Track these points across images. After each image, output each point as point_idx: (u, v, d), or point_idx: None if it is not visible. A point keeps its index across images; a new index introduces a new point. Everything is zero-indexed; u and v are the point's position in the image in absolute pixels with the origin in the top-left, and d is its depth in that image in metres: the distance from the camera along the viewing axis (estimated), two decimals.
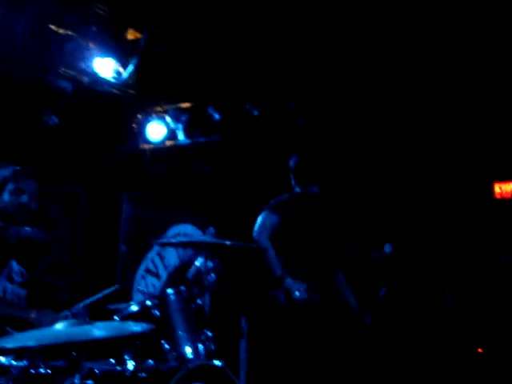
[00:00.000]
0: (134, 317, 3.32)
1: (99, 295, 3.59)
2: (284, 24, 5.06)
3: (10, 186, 3.62)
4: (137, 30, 5.56)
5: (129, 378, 3.08)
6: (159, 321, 3.27)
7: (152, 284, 5.44)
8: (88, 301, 3.50)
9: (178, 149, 6.21)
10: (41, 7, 4.69)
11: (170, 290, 3.43)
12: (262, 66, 5.54)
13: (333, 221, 4.72)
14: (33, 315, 3.42)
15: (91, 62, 5.34)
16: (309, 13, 4.88)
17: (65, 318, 3.25)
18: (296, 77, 5.50)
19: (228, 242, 3.57)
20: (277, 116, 5.83)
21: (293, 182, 4.75)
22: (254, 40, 5.35)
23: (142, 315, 3.33)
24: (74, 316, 2.85)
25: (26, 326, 3.43)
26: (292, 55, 5.39)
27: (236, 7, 5.00)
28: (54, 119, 5.27)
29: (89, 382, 2.94)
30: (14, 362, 2.79)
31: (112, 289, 3.65)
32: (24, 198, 3.62)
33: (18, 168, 3.67)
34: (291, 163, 4.77)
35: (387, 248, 5.51)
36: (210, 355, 3.30)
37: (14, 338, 2.84)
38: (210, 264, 3.65)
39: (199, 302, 3.46)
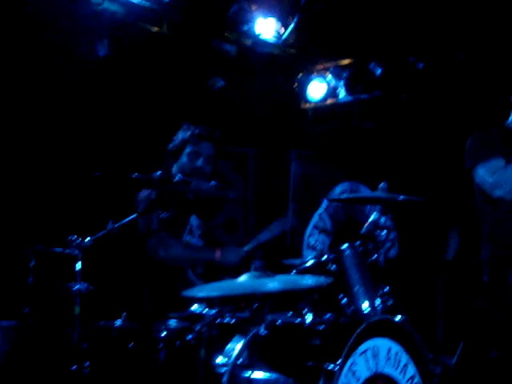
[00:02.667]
0: (311, 271, 3.37)
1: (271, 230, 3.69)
2: None
3: (188, 149, 3.79)
4: None
5: (308, 330, 3.13)
6: (336, 275, 3.29)
7: (322, 240, 5.50)
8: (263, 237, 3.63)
9: (339, 106, 6.16)
10: None
11: (344, 245, 3.44)
12: (426, 15, 5.30)
13: None
14: (218, 254, 3.61)
15: (253, 23, 5.42)
16: None
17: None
18: (464, 23, 5.20)
19: (401, 197, 3.49)
20: (444, 68, 5.56)
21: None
22: None
23: (319, 269, 3.36)
24: (256, 269, 2.94)
25: (214, 265, 3.62)
26: (459, 2, 5.10)
27: None
28: (221, 82, 5.41)
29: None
30: (206, 310, 2.95)
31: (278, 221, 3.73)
32: (200, 162, 3.78)
33: (197, 130, 3.82)
34: None
35: None
36: (388, 310, 3.28)
37: (203, 288, 3.00)
38: (383, 219, 3.60)
39: (374, 256, 3.43)
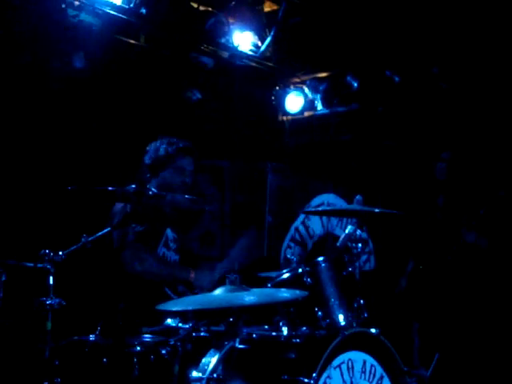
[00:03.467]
0: (286, 284, 3.37)
1: (240, 246, 3.69)
2: None
3: (174, 164, 3.77)
4: (273, 1, 5.59)
5: (283, 343, 3.13)
6: (311, 288, 3.29)
7: (298, 253, 5.51)
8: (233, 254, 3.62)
9: (316, 119, 6.19)
10: None
11: (320, 258, 3.44)
12: (401, 30, 5.36)
13: None
14: (192, 275, 3.60)
15: (230, 36, 5.44)
16: None
17: (221, 281, 3.39)
18: (438, 39, 5.27)
19: (377, 210, 3.51)
20: (419, 81, 5.62)
21: None
22: (392, 3, 5.19)
23: (294, 282, 3.37)
24: (231, 283, 2.93)
25: (187, 285, 3.61)
26: (433, 16, 5.16)
27: None
28: (198, 94, 5.42)
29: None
30: (181, 325, 2.93)
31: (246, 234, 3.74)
32: (187, 177, 3.77)
33: (181, 145, 3.80)
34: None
35: None
36: (363, 323, 3.29)
37: (179, 302, 2.98)
38: (358, 232, 3.62)
39: (350, 269, 3.44)
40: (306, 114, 6.22)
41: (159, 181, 3.76)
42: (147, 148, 3.84)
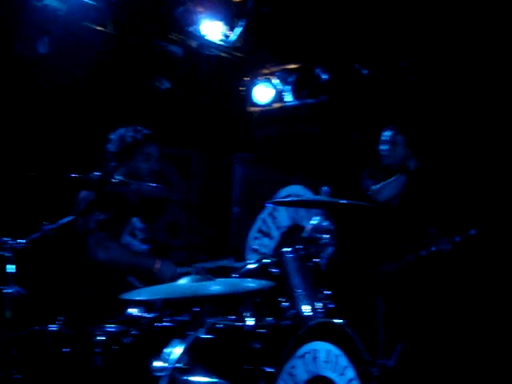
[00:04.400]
0: (252, 274, 3.35)
1: (215, 263, 3.65)
2: None
3: (141, 151, 3.73)
4: None
5: (248, 333, 3.12)
6: (277, 279, 3.28)
7: (265, 244, 5.50)
8: (204, 265, 3.57)
9: (285, 111, 6.18)
10: None
11: (286, 249, 3.43)
12: (371, 23, 5.38)
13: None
14: (157, 265, 3.56)
15: (199, 25, 5.38)
16: None
17: (185, 273, 3.35)
18: (407, 32, 5.30)
19: (343, 201, 3.52)
20: (387, 74, 5.65)
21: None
22: None
23: (260, 273, 3.35)
24: (197, 273, 2.90)
25: (146, 277, 3.57)
26: (402, 9, 5.19)
27: None
28: (166, 83, 5.35)
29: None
30: (144, 314, 2.90)
31: (226, 261, 3.70)
32: (152, 163, 3.74)
33: (146, 132, 3.76)
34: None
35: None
36: (329, 314, 3.29)
37: (143, 291, 2.94)
38: (324, 223, 3.62)
39: (316, 260, 3.44)
40: (275, 105, 6.20)
41: (127, 169, 3.71)
42: (111, 136, 3.79)
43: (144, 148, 3.77)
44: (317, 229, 3.60)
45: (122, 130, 3.79)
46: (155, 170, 3.77)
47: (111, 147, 3.78)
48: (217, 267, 3.59)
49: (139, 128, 3.80)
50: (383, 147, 4.97)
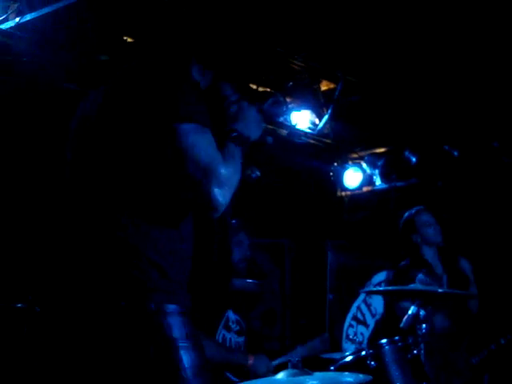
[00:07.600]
0: (350, 367, 3.29)
1: (309, 345, 3.62)
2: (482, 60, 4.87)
3: (234, 239, 3.83)
4: (330, 80, 5.71)
5: None
6: (375, 372, 3.21)
7: (360, 332, 5.40)
8: (299, 352, 3.55)
9: (375, 194, 6.18)
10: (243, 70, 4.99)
11: (383, 340, 3.37)
12: (461, 104, 5.37)
13: None
14: (250, 361, 3.55)
15: (289, 115, 5.56)
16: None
17: (281, 367, 3.33)
18: (498, 111, 5.25)
19: (440, 290, 3.44)
20: (479, 155, 5.58)
21: None
22: (450, 79, 5.22)
23: (357, 366, 3.29)
24: (293, 366, 2.88)
25: (243, 371, 3.56)
26: (491, 91, 5.16)
27: (428, 49, 4.93)
28: (257, 172, 5.48)
29: None
30: None
31: (319, 339, 3.66)
32: (245, 249, 3.82)
33: (234, 221, 3.87)
34: None
35: None
36: None
37: None
38: (422, 312, 3.53)
39: (415, 352, 3.35)
40: (365, 189, 6.22)
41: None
42: None
43: (235, 235, 3.85)
44: (414, 318, 3.52)
45: None
46: (247, 256, 3.83)
47: None
48: (313, 356, 3.55)
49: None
50: None
